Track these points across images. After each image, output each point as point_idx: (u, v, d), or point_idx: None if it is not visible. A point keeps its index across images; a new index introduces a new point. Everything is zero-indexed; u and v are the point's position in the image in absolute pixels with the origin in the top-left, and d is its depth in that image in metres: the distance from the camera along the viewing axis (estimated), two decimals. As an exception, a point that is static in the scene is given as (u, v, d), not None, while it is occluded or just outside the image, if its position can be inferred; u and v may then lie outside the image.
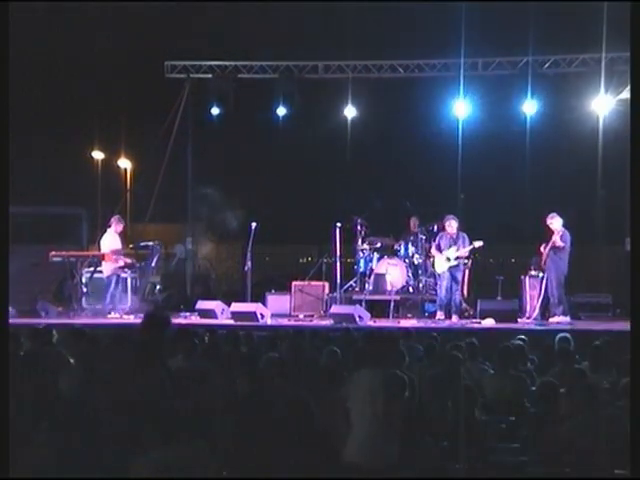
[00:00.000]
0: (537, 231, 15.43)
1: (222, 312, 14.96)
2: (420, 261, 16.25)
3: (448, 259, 15.02)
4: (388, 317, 15.05)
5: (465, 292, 15.81)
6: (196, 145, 19.13)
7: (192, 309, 15.56)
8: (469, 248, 15.09)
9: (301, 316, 15.67)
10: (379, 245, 16.56)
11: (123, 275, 15.61)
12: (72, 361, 8.35)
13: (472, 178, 17.76)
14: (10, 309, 11.44)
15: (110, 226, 15.74)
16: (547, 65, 17.52)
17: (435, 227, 16.23)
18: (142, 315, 7.33)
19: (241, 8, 17.70)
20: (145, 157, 19.66)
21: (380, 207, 16.79)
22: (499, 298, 15.54)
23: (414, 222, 16.55)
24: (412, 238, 16.47)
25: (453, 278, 15.09)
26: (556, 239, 14.63)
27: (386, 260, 16.25)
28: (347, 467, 5.84)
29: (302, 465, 5.10)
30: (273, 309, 15.52)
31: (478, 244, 15.06)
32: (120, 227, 15.76)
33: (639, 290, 5.62)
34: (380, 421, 6.00)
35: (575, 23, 16.64)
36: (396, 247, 16.56)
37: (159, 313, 7.78)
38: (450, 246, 15.10)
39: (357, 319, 13.98)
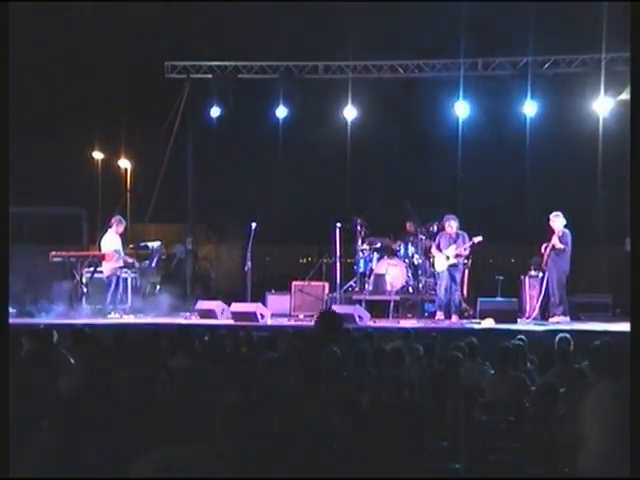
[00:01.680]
0: (537, 231, 15.44)
1: (222, 312, 14.98)
2: (420, 261, 16.25)
3: (448, 257, 15.04)
4: (388, 317, 15.06)
5: (465, 292, 15.83)
6: (196, 145, 19.13)
7: (192, 309, 15.57)
8: (469, 244, 15.11)
9: (301, 316, 15.67)
10: (379, 245, 16.56)
11: (123, 275, 15.61)
12: (72, 361, 8.36)
13: (472, 178, 17.76)
14: (10, 309, 11.45)
15: (111, 226, 15.73)
16: (547, 65, 17.52)
17: (435, 227, 16.24)
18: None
19: (241, 8, 17.69)
20: (145, 157, 19.66)
21: (380, 207, 16.78)
22: (499, 298, 15.55)
23: (410, 226, 16.54)
24: (412, 238, 16.48)
25: (452, 278, 15.11)
26: (555, 241, 14.65)
27: (386, 260, 16.26)
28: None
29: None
30: (273, 309, 15.53)
31: (477, 239, 15.08)
32: (121, 228, 15.75)
33: (639, 290, 5.62)
34: (609, 435, 5.89)
35: (575, 23, 16.64)
36: (396, 247, 16.56)
37: (332, 313, 7.84)
38: (449, 245, 15.12)
39: (357, 319, 13.98)
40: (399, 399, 6.36)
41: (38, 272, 16.00)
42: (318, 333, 7.10)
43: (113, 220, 15.81)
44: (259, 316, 14.50)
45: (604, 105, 16.96)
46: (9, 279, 6.46)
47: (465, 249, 15.16)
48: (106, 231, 15.86)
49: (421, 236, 16.36)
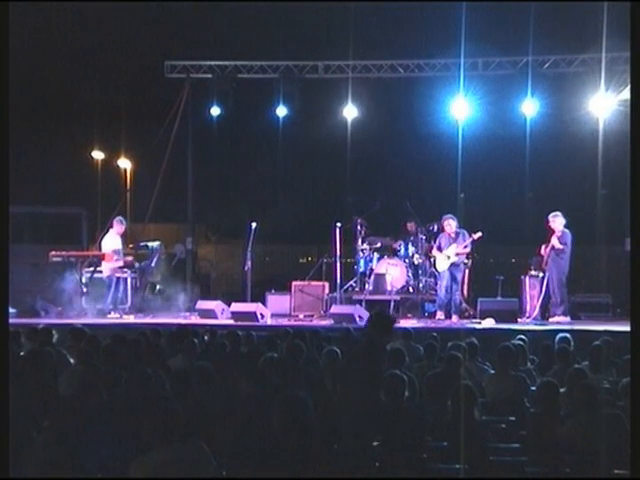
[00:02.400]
0: (537, 231, 15.43)
1: (222, 312, 14.97)
2: (420, 261, 16.25)
3: (448, 257, 15.04)
4: (388, 317, 15.03)
5: (465, 292, 15.82)
6: (196, 145, 19.12)
7: (192, 309, 15.57)
8: (469, 241, 15.11)
9: (301, 316, 15.67)
10: (379, 245, 16.57)
11: (123, 275, 15.61)
12: (72, 361, 8.36)
13: (472, 178, 17.75)
14: (10, 309, 11.45)
15: (111, 227, 15.75)
16: (547, 65, 17.51)
17: (435, 227, 16.25)
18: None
19: (241, 8, 17.68)
20: (145, 157, 19.66)
21: (380, 207, 16.77)
22: (499, 298, 15.54)
23: (411, 226, 16.54)
24: (412, 238, 16.48)
25: (453, 278, 15.10)
26: (555, 242, 14.64)
27: (386, 260, 16.26)
28: None
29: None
30: (273, 309, 15.53)
31: (477, 235, 15.07)
32: (121, 228, 15.76)
33: (639, 290, 5.62)
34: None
35: (575, 23, 16.63)
36: (396, 247, 16.57)
37: (385, 313, 7.88)
38: (450, 244, 15.12)
39: (357, 319, 13.98)
40: (399, 399, 6.36)
41: (38, 272, 16.01)
42: (371, 334, 7.14)
43: (114, 221, 15.81)
44: (259, 316, 14.50)
45: (604, 105, 16.95)
46: (9, 279, 6.45)
47: (466, 246, 15.16)
48: (107, 231, 15.88)
49: (421, 236, 16.36)
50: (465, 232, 15.21)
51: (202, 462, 5.02)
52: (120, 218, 15.99)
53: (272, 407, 5.25)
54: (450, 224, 15.20)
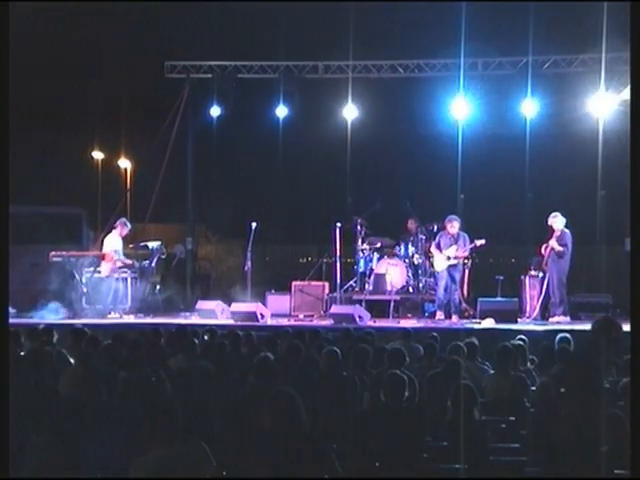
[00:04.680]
0: (537, 231, 15.43)
1: (222, 312, 14.98)
2: (420, 261, 16.26)
3: (448, 258, 15.04)
4: (388, 317, 15.06)
5: (465, 292, 15.82)
6: (196, 145, 19.12)
7: (192, 309, 15.57)
8: (469, 247, 15.11)
9: (301, 316, 15.68)
10: (379, 245, 16.57)
11: (123, 275, 15.62)
12: (72, 361, 8.36)
13: (472, 178, 17.74)
14: (10, 309, 11.45)
15: (115, 228, 15.77)
16: (547, 65, 17.51)
17: (435, 227, 16.25)
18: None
19: (242, 8, 17.68)
20: (145, 157, 19.65)
21: (380, 207, 16.77)
22: (499, 298, 15.54)
23: (412, 224, 16.55)
24: (412, 238, 16.48)
25: (451, 278, 15.11)
26: (554, 244, 14.63)
27: (386, 260, 16.27)
28: None
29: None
30: (273, 309, 15.54)
31: (480, 242, 15.07)
32: (125, 231, 15.80)
33: (639, 290, 5.62)
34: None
35: (575, 23, 16.63)
36: (396, 247, 16.57)
37: (609, 318, 7.83)
38: (450, 245, 15.12)
39: (357, 319, 13.98)
40: (399, 399, 6.36)
41: (38, 272, 16.00)
42: (595, 339, 7.12)
43: (118, 223, 15.84)
44: (259, 316, 14.50)
45: (604, 105, 16.95)
46: (9, 279, 6.45)
47: (465, 251, 15.16)
48: (110, 231, 15.91)
49: (421, 236, 16.36)
50: (466, 236, 15.20)
51: (202, 462, 5.02)
52: (124, 220, 16.02)
53: (272, 407, 5.25)
54: (454, 225, 15.20)
